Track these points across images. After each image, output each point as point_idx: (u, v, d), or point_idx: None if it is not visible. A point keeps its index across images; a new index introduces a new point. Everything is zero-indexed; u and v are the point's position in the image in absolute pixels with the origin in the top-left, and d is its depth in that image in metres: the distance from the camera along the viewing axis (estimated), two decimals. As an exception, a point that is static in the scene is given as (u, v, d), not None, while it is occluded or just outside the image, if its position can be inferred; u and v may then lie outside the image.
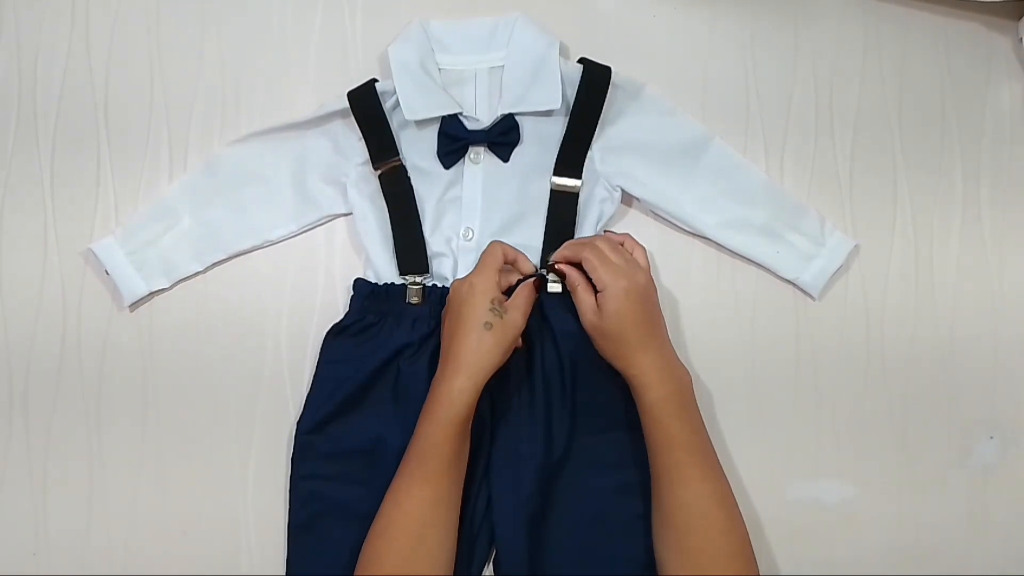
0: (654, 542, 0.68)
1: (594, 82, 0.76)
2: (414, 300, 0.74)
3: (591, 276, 0.70)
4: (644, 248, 0.74)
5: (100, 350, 0.77)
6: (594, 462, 0.73)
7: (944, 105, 0.81)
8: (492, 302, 0.69)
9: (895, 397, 0.78)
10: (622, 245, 0.73)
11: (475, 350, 0.67)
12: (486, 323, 0.68)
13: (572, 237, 0.75)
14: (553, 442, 0.72)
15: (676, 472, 0.66)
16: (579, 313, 0.70)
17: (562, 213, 0.76)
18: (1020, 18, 0.82)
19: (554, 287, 0.74)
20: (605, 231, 0.77)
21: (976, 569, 0.76)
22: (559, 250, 0.73)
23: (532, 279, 0.73)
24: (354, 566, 0.71)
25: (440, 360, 0.69)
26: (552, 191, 0.76)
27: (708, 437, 0.69)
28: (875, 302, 0.79)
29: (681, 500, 0.66)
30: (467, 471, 0.72)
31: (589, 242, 0.71)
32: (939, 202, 0.80)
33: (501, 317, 0.68)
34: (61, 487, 0.76)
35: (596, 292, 0.70)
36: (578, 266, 0.71)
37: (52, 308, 0.78)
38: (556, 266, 0.73)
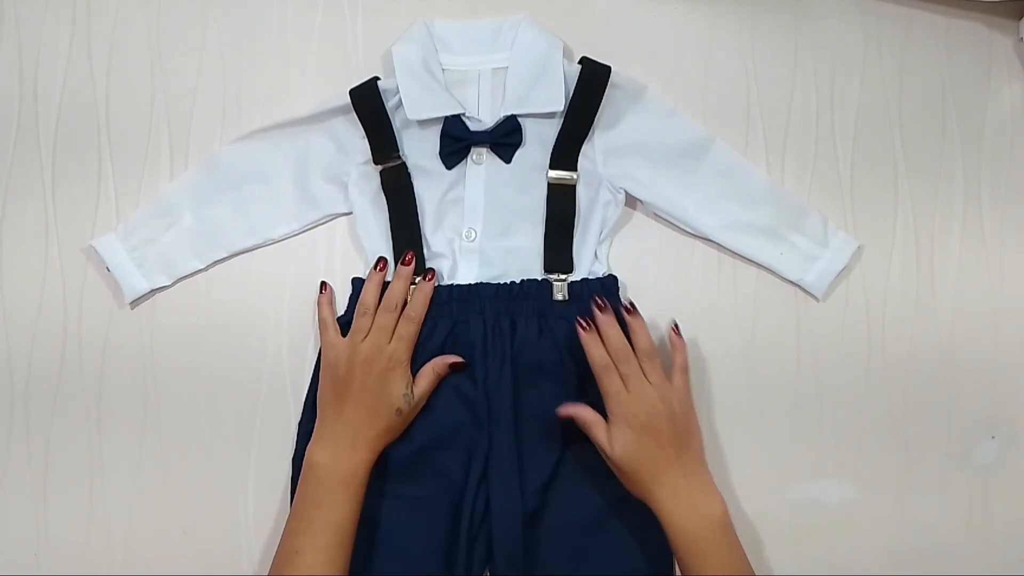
0: None
1: (592, 79, 0.76)
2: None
3: (605, 403, 0.68)
4: (684, 343, 0.71)
5: (101, 349, 0.77)
6: (594, 468, 0.72)
7: (944, 105, 0.81)
8: (407, 387, 0.69)
9: (895, 397, 0.78)
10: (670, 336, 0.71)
11: (384, 432, 0.69)
12: (397, 410, 0.69)
13: (572, 233, 0.76)
14: (552, 447, 0.72)
15: None
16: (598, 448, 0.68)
17: (561, 207, 0.76)
18: (1020, 18, 0.82)
19: (558, 295, 0.74)
20: (629, 304, 0.72)
21: (976, 569, 0.76)
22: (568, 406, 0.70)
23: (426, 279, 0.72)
24: (354, 566, 0.71)
25: (333, 424, 0.68)
26: (549, 184, 0.76)
27: (743, 571, 0.64)
28: (875, 302, 0.79)
29: None
30: (466, 474, 0.72)
31: (608, 365, 0.68)
32: (939, 202, 0.80)
33: (410, 403, 0.69)
34: (61, 487, 0.76)
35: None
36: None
37: (53, 307, 0.78)
38: (564, 412, 0.70)
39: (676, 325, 0.73)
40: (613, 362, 0.68)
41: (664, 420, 0.67)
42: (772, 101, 0.81)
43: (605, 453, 0.68)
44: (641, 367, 0.68)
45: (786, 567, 0.75)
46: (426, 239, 0.76)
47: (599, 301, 0.71)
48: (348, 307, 0.75)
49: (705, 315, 0.78)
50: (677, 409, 0.67)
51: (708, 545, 0.64)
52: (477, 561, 0.72)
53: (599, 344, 0.69)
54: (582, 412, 0.69)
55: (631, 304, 0.71)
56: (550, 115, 0.76)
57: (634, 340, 0.69)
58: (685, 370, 0.70)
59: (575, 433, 0.73)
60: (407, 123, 0.77)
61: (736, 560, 0.64)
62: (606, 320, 0.70)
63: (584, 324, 0.70)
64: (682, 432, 0.67)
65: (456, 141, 0.76)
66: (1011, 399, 0.78)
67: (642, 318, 0.71)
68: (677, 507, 0.65)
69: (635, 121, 0.78)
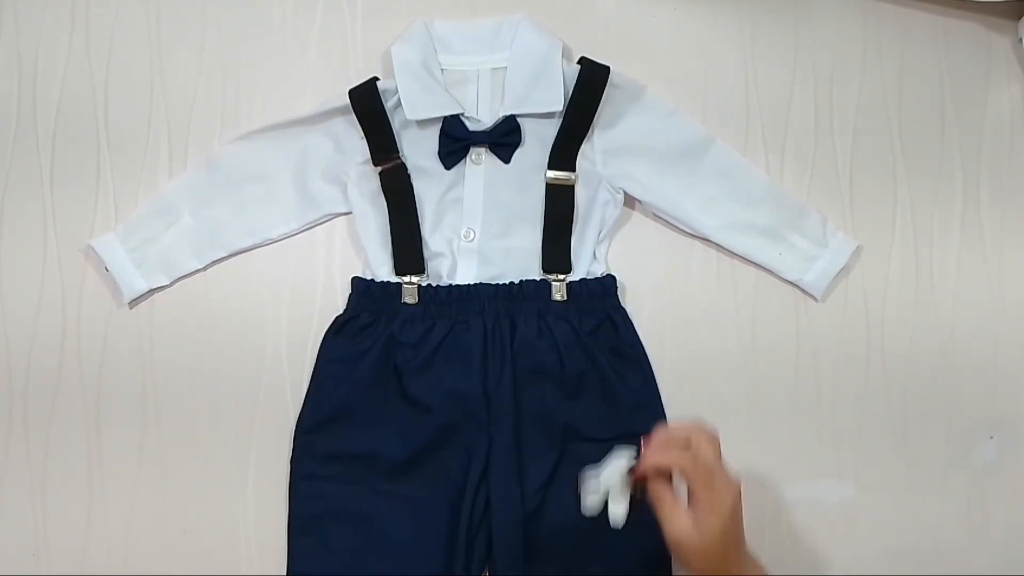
0: None
1: (591, 79, 0.76)
2: (409, 300, 0.74)
3: (690, 487, 0.59)
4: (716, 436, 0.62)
5: (100, 349, 0.77)
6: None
7: (944, 105, 0.81)
8: None
9: (895, 397, 0.78)
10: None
11: None
12: None
13: (570, 233, 0.76)
14: (551, 447, 0.72)
15: None
16: (666, 529, 0.60)
17: (559, 207, 0.76)
18: (1020, 18, 0.82)
19: (557, 295, 0.74)
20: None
21: (976, 569, 0.76)
22: (651, 455, 0.61)
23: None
24: (354, 566, 0.71)
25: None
26: (548, 185, 0.76)
27: None
28: (875, 302, 0.79)
29: None
30: (466, 472, 0.72)
31: (685, 451, 0.60)
32: (939, 202, 0.80)
33: None
34: (61, 487, 0.76)
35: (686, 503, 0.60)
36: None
37: (52, 307, 0.77)
38: (638, 480, 0.61)
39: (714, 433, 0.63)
40: (685, 461, 0.60)
41: (739, 509, 0.61)
42: (772, 101, 0.81)
43: (685, 535, 0.59)
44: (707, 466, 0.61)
45: (786, 567, 0.75)
46: (425, 239, 0.76)
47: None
48: (348, 307, 0.75)
49: (705, 315, 0.78)
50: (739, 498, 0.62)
51: None
52: (477, 561, 0.72)
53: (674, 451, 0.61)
54: (657, 486, 0.61)
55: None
56: (549, 115, 0.76)
57: (690, 440, 0.62)
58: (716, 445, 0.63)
59: (575, 433, 0.73)
60: (406, 123, 0.77)
61: None
62: (656, 445, 0.62)
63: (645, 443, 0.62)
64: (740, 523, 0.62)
65: (455, 141, 0.76)
66: (1011, 399, 0.78)
67: (700, 428, 0.63)
68: None
69: (634, 121, 0.78)
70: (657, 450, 0.61)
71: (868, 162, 0.80)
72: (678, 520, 0.60)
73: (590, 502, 0.62)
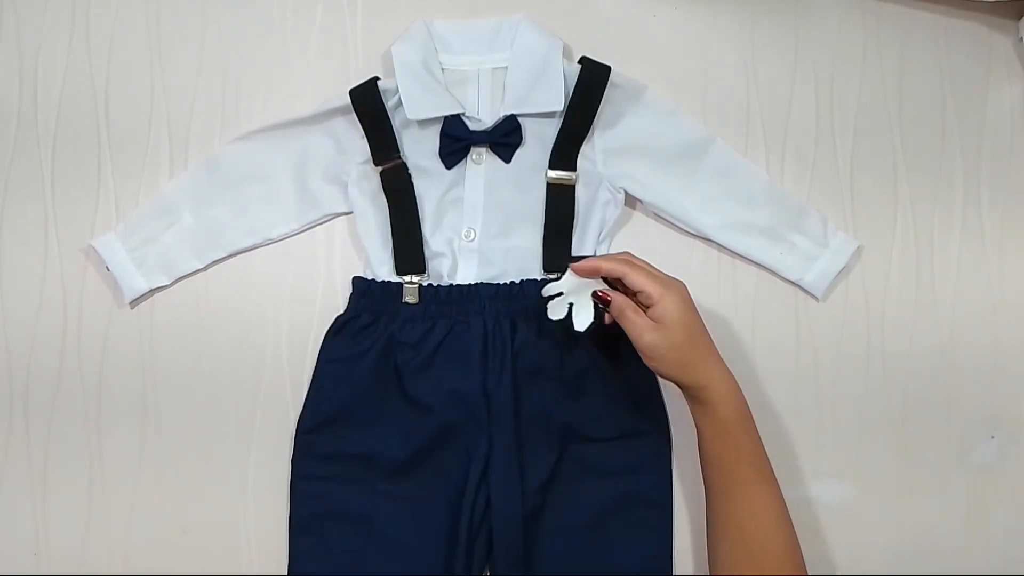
0: (708, 551, 0.66)
1: (591, 79, 0.76)
2: (410, 299, 0.74)
3: (638, 290, 0.65)
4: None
5: (100, 349, 0.77)
6: (594, 469, 0.73)
7: (944, 105, 0.81)
8: None
9: (895, 397, 0.78)
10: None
11: None
12: None
13: (571, 233, 0.76)
14: (552, 447, 0.72)
15: (740, 489, 0.64)
16: (633, 337, 0.65)
17: (560, 207, 0.76)
18: (1020, 18, 0.82)
19: (550, 291, 0.71)
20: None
21: (976, 569, 0.76)
22: (590, 262, 0.67)
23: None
24: (355, 566, 0.71)
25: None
26: (549, 185, 0.76)
27: (764, 450, 0.66)
28: (875, 302, 0.79)
29: (746, 520, 0.63)
30: (466, 472, 0.72)
31: (622, 258, 0.67)
32: (939, 202, 0.80)
33: None
34: (61, 487, 0.76)
35: (645, 309, 0.65)
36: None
37: (52, 307, 0.77)
38: (600, 293, 0.67)
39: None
40: (624, 267, 0.66)
41: (692, 300, 0.66)
42: (772, 101, 0.81)
43: (651, 335, 0.64)
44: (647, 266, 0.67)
45: (786, 567, 0.75)
46: (426, 239, 0.76)
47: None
48: (348, 306, 0.75)
49: (705, 315, 0.78)
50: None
51: (745, 414, 0.65)
52: (477, 561, 0.72)
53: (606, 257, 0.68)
54: (617, 296, 0.66)
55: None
56: (550, 115, 0.76)
57: (622, 261, 0.67)
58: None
59: (575, 433, 0.73)
60: (407, 123, 0.76)
61: (758, 434, 0.66)
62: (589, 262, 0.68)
63: (604, 295, 0.67)
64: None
65: (456, 141, 0.76)
66: (1011, 399, 0.78)
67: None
68: (726, 384, 0.65)
69: (635, 121, 0.78)
70: (601, 260, 0.67)
71: (868, 162, 0.80)
72: (639, 324, 0.65)
73: (555, 312, 0.69)
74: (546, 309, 0.69)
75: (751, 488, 0.64)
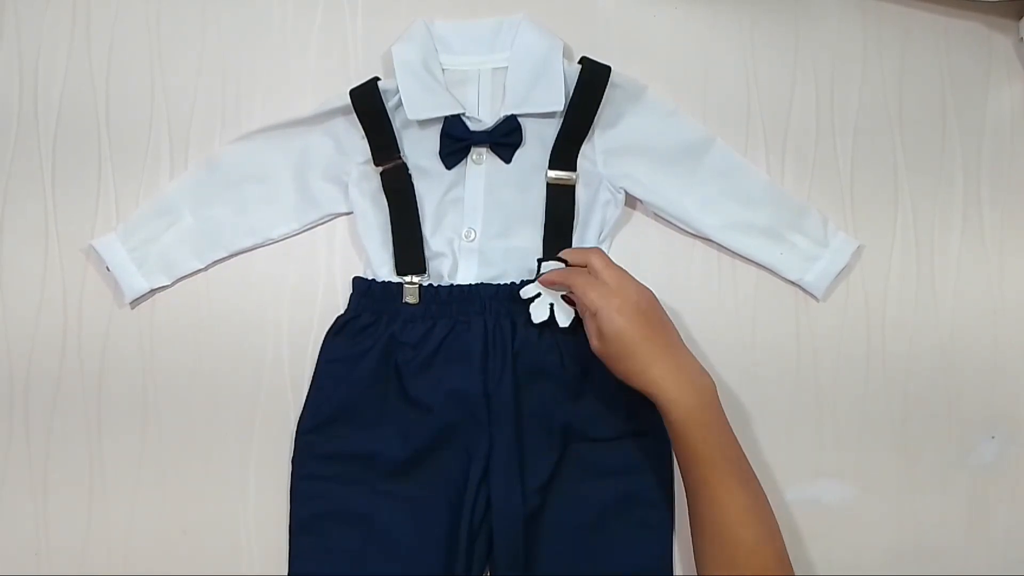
0: (693, 548, 0.66)
1: (592, 79, 0.76)
2: (410, 300, 0.74)
3: (581, 303, 0.67)
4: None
5: (100, 349, 0.77)
6: (594, 469, 0.73)
7: (944, 105, 0.81)
8: None
9: (895, 397, 0.78)
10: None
11: None
12: None
13: (571, 233, 0.76)
14: (552, 447, 0.72)
15: (706, 489, 0.64)
16: (589, 341, 0.68)
17: (560, 207, 0.76)
18: (1020, 18, 0.82)
19: (527, 293, 0.73)
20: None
21: (976, 569, 0.76)
22: (548, 276, 0.71)
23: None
24: (355, 566, 0.71)
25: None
26: (548, 185, 0.76)
27: (737, 447, 0.66)
28: (875, 302, 0.79)
29: (714, 517, 0.63)
30: (466, 473, 0.72)
31: (574, 270, 0.70)
32: (939, 202, 0.80)
33: None
34: (61, 487, 0.76)
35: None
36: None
37: (53, 307, 0.77)
38: (565, 297, 0.71)
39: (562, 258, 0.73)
40: (572, 278, 0.68)
41: (646, 304, 0.67)
42: (772, 101, 0.81)
43: (596, 342, 0.67)
44: (595, 276, 0.68)
45: (786, 567, 0.75)
46: (426, 239, 0.76)
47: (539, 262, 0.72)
48: (349, 307, 0.75)
49: (705, 315, 0.78)
50: (647, 293, 0.68)
51: (704, 414, 0.64)
52: (477, 561, 0.72)
53: (558, 270, 0.71)
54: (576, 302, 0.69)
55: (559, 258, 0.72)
56: (550, 115, 0.76)
57: (584, 260, 0.70)
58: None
59: (574, 433, 0.73)
60: (407, 123, 0.77)
61: (727, 429, 0.65)
62: (550, 264, 0.72)
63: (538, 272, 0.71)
64: (662, 313, 0.68)
65: (456, 141, 0.76)
66: (1011, 399, 0.78)
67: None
68: (678, 386, 0.64)
69: (635, 121, 0.78)
70: (556, 274, 0.70)
71: (869, 162, 0.80)
72: (588, 330, 0.67)
73: (537, 313, 0.72)
74: (529, 313, 0.72)
75: (716, 490, 0.63)
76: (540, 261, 0.73)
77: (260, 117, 0.79)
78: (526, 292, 0.72)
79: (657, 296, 0.69)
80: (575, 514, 0.72)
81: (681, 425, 0.64)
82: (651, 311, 0.67)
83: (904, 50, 0.82)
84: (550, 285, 0.71)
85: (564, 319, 0.72)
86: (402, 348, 0.73)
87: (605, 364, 0.67)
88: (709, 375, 0.66)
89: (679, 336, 0.68)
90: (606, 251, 0.77)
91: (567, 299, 0.72)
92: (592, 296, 0.66)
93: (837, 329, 0.78)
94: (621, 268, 0.69)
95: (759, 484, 0.65)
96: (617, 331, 0.65)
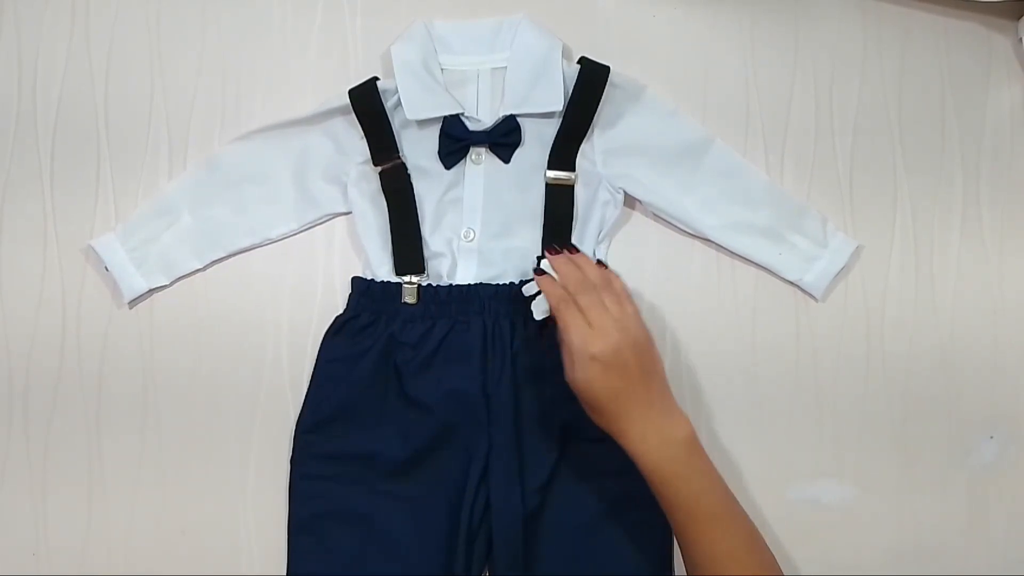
0: None
1: (591, 79, 0.76)
2: (409, 300, 0.74)
3: (561, 335, 0.65)
4: (612, 271, 0.70)
5: (100, 349, 0.77)
6: (594, 469, 0.73)
7: (944, 105, 0.81)
8: None
9: (895, 397, 0.78)
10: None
11: None
12: None
13: (570, 233, 0.76)
14: (551, 447, 0.72)
15: (686, 535, 0.63)
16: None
17: (559, 207, 0.76)
18: (1020, 18, 0.82)
19: (530, 290, 0.72)
20: (571, 245, 0.74)
21: (976, 569, 0.76)
22: (546, 285, 0.68)
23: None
24: (354, 566, 0.71)
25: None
26: (547, 185, 0.76)
27: (718, 491, 0.64)
28: (875, 302, 0.79)
29: (700, 559, 0.63)
30: (465, 473, 0.72)
31: (566, 298, 0.66)
32: (939, 202, 0.80)
33: None
34: (61, 487, 0.76)
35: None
36: None
37: (52, 307, 0.77)
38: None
39: (600, 260, 0.73)
40: (571, 296, 0.66)
41: (630, 352, 0.64)
42: (772, 101, 0.81)
43: (569, 375, 0.65)
44: (584, 311, 0.66)
45: (786, 567, 0.75)
46: (425, 239, 0.76)
47: (552, 247, 0.71)
48: (348, 306, 0.75)
49: (705, 315, 0.78)
50: (640, 340, 0.65)
51: (675, 466, 0.63)
52: (476, 561, 0.72)
53: (555, 283, 0.68)
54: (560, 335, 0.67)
55: (573, 246, 0.73)
56: (549, 115, 0.76)
57: (584, 274, 0.68)
58: (630, 297, 0.68)
59: (574, 433, 0.73)
60: (406, 123, 0.76)
61: (705, 477, 0.64)
62: (558, 259, 0.69)
63: (538, 271, 0.70)
64: (648, 364, 0.65)
65: (455, 141, 0.76)
66: (1011, 399, 0.78)
67: (584, 255, 0.71)
68: (644, 440, 0.63)
69: (634, 121, 0.78)
70: (548, 296, 0.68)
71: (868, 162, 0.80)
72: (565, 365, 0.65)
73: (538, 311, 0.70)
74: (530, 311, 0.71)
75: (695, 533, 0.63)
76: (539, 259, 0.73)
77: (260, 117, 0.79)
78: (528, 289, 0.72)
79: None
80: (574, 514, 0.72)
81: (649, 476, 0.64)
82: (632, 361, 0.64)
83: (904, 50, 0.82)
84: (542, 287, 0.69)
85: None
86: (401, 348, 0.73)
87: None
88: (683, 419, 0.65)
89: (661, 382, 0.66)
90: (605, 251, 0.77)
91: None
92: (572, 336, 0.64)
93: (837, 329, 0.78)
94: (624, 306, 0.67)
95: (746, 521, 0.64)
96: (587, 380, 0.64)
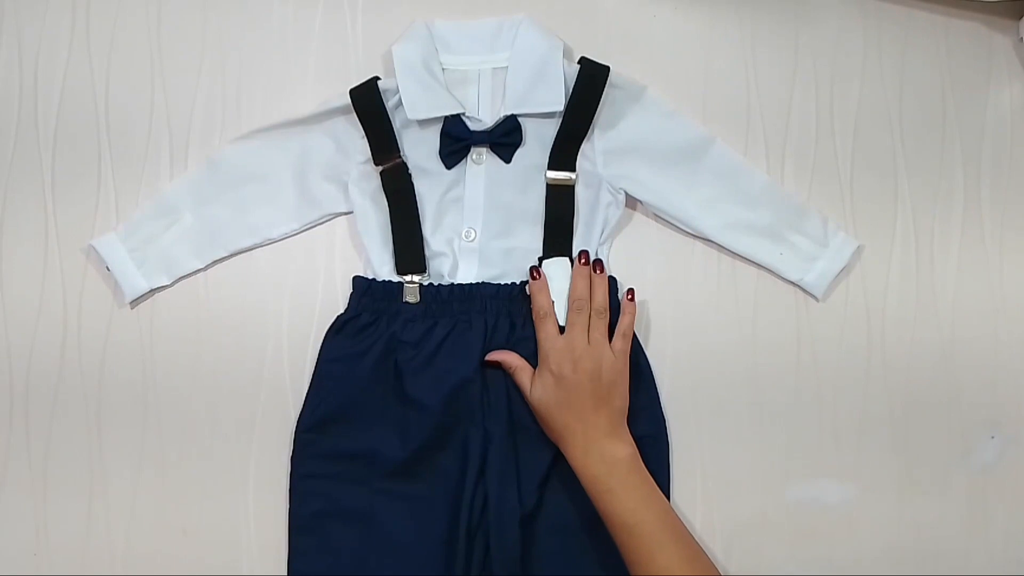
0: None
1: (590, 79, 0.76)
2: (410, 299, 0.74)
3: (538, 350, 0.71)
4: (634, 309, 0.73)
5: (100, 349, 0.77)
6: None
7: (944, 105, 0.81)
8: None
9: (895, 397, 0.78)
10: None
11: None
12: None
13: (571, 233, 0.76)
14: (548, 446, 0.72)
15: (625, 551, 0.66)
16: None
17: (560, 208, 0.76)
18: (1020, 18, 0.82)
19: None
20: (598, 260, 0.75)
21: (976, 569, 0.76)
22: (536, 289, 0.73)
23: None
24: (354, 566, 0.71)
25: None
26: (548, 185, 0.76)
27: (656, 506, 0.67)
28: (875, 302, 0.79)
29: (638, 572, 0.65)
30: (464, 472, 0.72)
31: (549, 313, 0.71)
32: (939, 202, 0.80)
33: None
34: (61, 487, 0.76)
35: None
36: None
37: (53, 307, 0.77)
38: (490, 358, 0.73)
39: (631, 291, 0.74)
40: (542, 324, 0.71)
41: (586, 378, 0.69)
42: (772, 101, 0.81)
43: (525, 396, 0.71)
44: (568, 333, 0.71)
45: (786, 567, 0.75)
46: (426, 238, 0.76)
47: (585, 253, 0.74)
48: (349, 306, 0.75)
49: (705, 315, 0.78)
50: (605, 373, 0.69)
51: (611, 481, 0.67)
52: (476, 560, 0.72)
53: (546, 293, 0.72)
54: (507, 357, 0.72)
55: (600, 262, 0.74)
56: (550, 115, 0.76)
57: (591, 295, 0.72)
58: (627, 336, 0.72)
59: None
60: (407, 123, 0.77)
61: (640, 494, 0.67)
62: (579, 270, 0.73)
63: (536, 274, 0.73)
64: (603, 395, 0.69)
65: (456, 141, 0.76)
66: (1011, 399, 0.78)
67: (606, 279, 0.74)
68: (586, 454, 0.68)
69: (635, 121, 0.78)
70: (539, 317, 0.72)
71: (868, 162, 0.80)
72: (522, 379, 0.71)
73: None
74: (529, 311, 0.73)
75: (635, 554, 0.65)
76: (541, 259, 0.74)
77: (260, 117, 0.79)
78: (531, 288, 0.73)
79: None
80: (571, 515, 0.72)
81: (588, 489, 0.67)
82: (587, 387, 0.69)
83: (904, 50, 0.82)
84: (532, 291, 0.73)
85: (565, 316, 0.72)
86: (402, 347, 0.73)
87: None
88: (628, 447, 0.69)
89: (613, 414, 0.69)
90: (606, 252, 0.77)
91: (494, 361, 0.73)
92: (541, 344, 0.71)
93: (837, 329, 0.78)
94: (611, 341, 0.71)
95: (689, 541, 0.66)
96: (540, 389, 0.70)
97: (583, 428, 0.68)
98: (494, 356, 0.72)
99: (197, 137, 0.79)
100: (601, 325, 0.71)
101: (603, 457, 0.67)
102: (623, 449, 0.68)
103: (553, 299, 0.73)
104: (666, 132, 0.78)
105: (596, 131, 0.77)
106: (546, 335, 0.71)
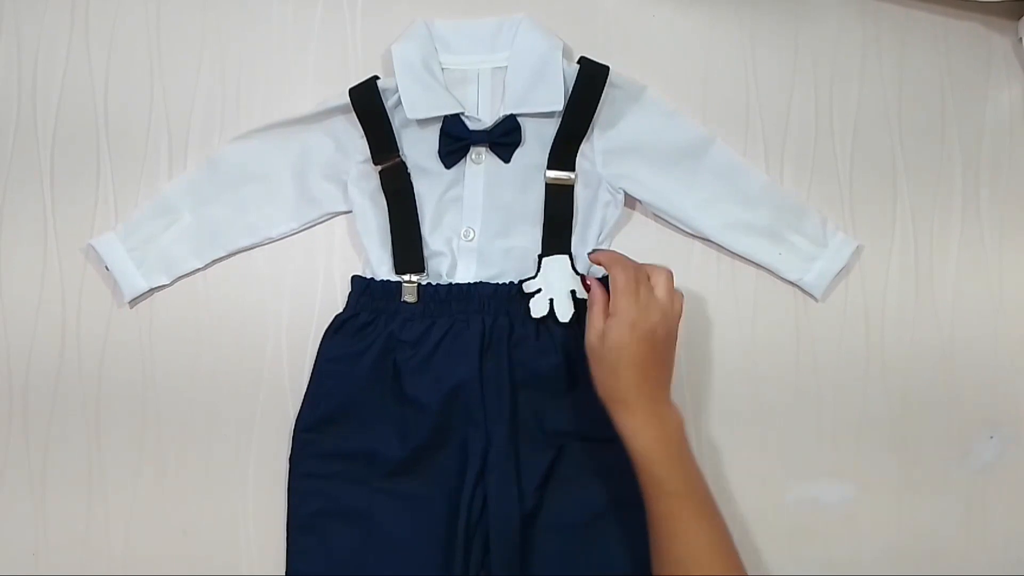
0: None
1: (590, 79, 0.76)
2: (409, 298, 0.74)
3: (609, 297, 0.67)
4: (681, 295, 0.69)
5: (100, 348, 0.77)
6: (590, 469, 0.73)
7: (944, 105, 0.81)
8: None
9: (895, 397, 0.78)
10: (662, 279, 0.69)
11: None
12: None
13: (570, 233, 0.76)
14: (548, 446, 0.73)
15: (667, 523, 0.64)
16: (586, 331, 0.67)
17: (559, 207, 0.76)
18: (1020, 18, 0.82)
19: (530, 287, 0.74)
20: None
21: (976, 569, 0.76)
22: (599, 253, 0.70)
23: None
24: (354, 565, 0.71)
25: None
26: (547, 185, 0.76)
27: (702, 482, 0.65)
28: (875, 302, 0.79)
29: (675, 553, 0.63)
30: (463, 471, 0.72)
31: (627, 264, 0.68)
32: (939, 202, 0.80)
33: None
34: (61, 487, 0.76)
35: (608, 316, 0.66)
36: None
37: (52, 306, 0.77)
38: (585, 279, 0.71)
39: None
40: (617, 270, 0.67)
41: (663, 333, 0.66)
42: (772, 101, 0.81)
43: (595, 339, 0.66)
44: (637, 285, 0.67)
45: (786, 567, 0.75)
46: (425, 238, 0.76)
47: (600, 251, 0.72)
48: (347, 305, 0.75)
49: (705, 315, 0.78)
50: (672, 332, 0.67)
51: (664, 456, 0.64)
52: (475, 560, 0.72)
53: (626, 259, 0.69)
54: (596, 289, 0.68)
55: (585, 277, 0.73)
56: (550, 115, 0.76)
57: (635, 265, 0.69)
58: (680, 294, 0.69)
59: (572, 433, 0.73)
60: (406, 122, 0.77)
61: (692, 465, 0.65)
62: (608, 255, 0.70)
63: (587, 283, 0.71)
64: (668, 354, 0.68)
65: (455, 140, 0.76)
66: (1011, 399, 0.78)
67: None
68: (642, 417, 0.65)
69: (634, 121, 0.78)
70: (609, 255, 0.69)
71: (868, 162, 0.80)
72: (593, 325, 0.66)
73: (537, 308, 0.73)
74: (528, 310, 0.73)
75: (677, 524, 0.63)
76: (540, 257, 0.74)
77: (260, 117, 0.79)
78: (528, 287, 0.73)
79: (670, 343, 0.68)
80: (571, 514, 0.72)
81: (640, 454, 0.64)
82: (656, 348, 0.66)
83: (904, 50, 0.82)
84: (595, 262, 0.70)
85: (564, 314, 0.73)
86: (401, 346, 0.73)
87: (589, 362, 0.67)
88: (679, 415, 0.66)
89: (670, 375, 0.68)
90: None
91: (583, 283, 0.72)
92: (621, 300, 0.65)
93: (837, 329, 0.78)
94: (674, 299, 0.68)
95: (723, 521, 0.65)
96: (619, 345, 0.65)
97: (647, 390, 0.65)
98: (598, 257, 0.69)
99: (196, 136, 0.79)
100: (667, 280, 0.68)
101: (662, 421, 0.65)
102: (677, 417, 0.66)
103: (552, 296, 0.73)
104: (665, 132, 0.78)
105: (596, 131, 0.77)
106: (627, 289, 0.66)
